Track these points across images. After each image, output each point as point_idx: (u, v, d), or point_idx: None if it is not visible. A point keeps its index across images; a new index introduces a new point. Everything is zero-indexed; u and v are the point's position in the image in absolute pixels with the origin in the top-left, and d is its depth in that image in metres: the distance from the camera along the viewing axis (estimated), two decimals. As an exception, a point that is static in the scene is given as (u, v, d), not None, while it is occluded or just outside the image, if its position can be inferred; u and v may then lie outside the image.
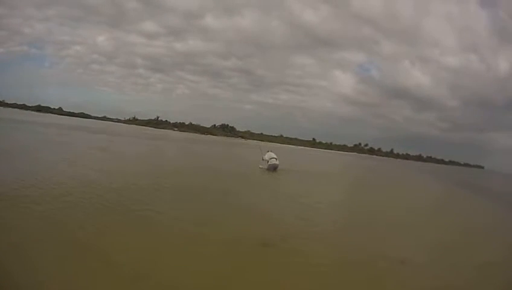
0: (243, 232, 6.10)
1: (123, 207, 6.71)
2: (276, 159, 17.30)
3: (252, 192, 10.98)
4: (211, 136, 73.87)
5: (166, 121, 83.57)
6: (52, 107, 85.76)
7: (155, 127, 77.73)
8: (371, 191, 16.70)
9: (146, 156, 19.52)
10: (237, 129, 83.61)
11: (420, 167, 57.79)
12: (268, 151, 18.07)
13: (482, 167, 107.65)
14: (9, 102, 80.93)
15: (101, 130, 39.22)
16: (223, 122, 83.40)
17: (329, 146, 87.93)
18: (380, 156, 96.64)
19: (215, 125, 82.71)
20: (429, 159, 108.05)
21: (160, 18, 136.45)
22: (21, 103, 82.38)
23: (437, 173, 39.93)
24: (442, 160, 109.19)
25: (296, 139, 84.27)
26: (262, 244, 5.57)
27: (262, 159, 17.61)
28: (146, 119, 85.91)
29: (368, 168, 36.58)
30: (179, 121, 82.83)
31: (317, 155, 51.59)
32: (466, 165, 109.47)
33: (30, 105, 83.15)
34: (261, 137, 76.34)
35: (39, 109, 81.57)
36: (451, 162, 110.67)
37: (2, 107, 70.53)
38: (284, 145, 68.80)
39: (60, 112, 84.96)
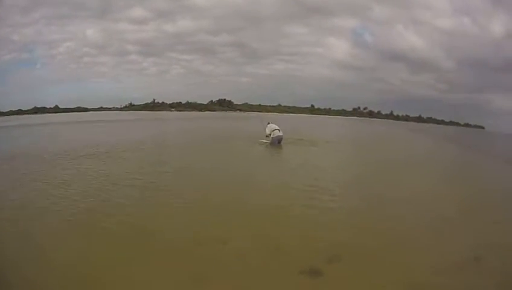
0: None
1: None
2: (279, 130, 15.83)
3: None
4: (209, 112, 73.58)
5: (163, 102, 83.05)
6: (48, 107, 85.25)
7: (152, 110, 77.46)
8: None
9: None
10: (234, 103, 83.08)
11: (428, 129, 56.88)
12: (268, 124, 16.27)
13: (483, 128, 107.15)
14: (4, 110, 79.91)
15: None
16: (220, 98, 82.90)
17: (328, 111, 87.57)
18: (380, 118, 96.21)
19: (212, 101, 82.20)
20: (429, 120, 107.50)
21: (147, 2, 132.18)
22: (17, 109, 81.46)
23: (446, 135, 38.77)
24: (443, 120, 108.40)
25: (294, 107, 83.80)
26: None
27: (266, 136, 15.82)
28: (142, 103, 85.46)
29: (377, 134, 32.39)
30: (175, 101, 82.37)
31: (319, 121, 51.23)
32: (466, 125, 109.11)
33: (26, 109, 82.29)
34: (259, 108, 76.02)
35: (35, 111, 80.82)
36: (451, 123, 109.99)
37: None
38: (283, 114, 68.47)
39: (56, 110, 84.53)
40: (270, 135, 15.69)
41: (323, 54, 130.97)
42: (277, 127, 15.95)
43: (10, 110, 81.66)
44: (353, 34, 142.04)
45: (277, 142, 15.49)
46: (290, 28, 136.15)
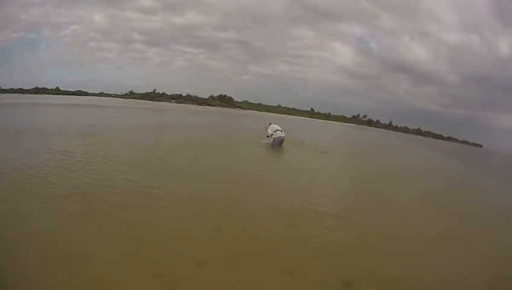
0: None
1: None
2: (281, 131, 15.03)
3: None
4: (209, 106, 73.39)
5: (163, 93, 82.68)
6: (49, 88, 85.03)
7: (152, 100, 77.17)
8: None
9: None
10: (235, 100, 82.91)
11: (427, 142, 57.27)
12: (271, 124, 15.48)
13: (481, 146, 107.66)
14: (5, 88, 79.78)
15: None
16: (221, 93, 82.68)
17: (327, 116, 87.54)
18: (379, 127, 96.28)
19: (212, 96, 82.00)
20: (428, 134, 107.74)
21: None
22: (18, 88, 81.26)
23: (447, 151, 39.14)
24: (441, 135, 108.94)
25: (294, 109, 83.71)
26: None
27: (267, 137, 14.97)
28: (143, 92, 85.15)
29: (380, 145, 32.45)
30: (176, 93, 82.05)
31: (320, 126, 51.14)
32: (464, 142, 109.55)
33: (27, 88, 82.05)
34: (259, 107, 75.71)
35: (36, 91, 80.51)
36: (449, 138, 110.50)
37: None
38: (283, 115, 68.49)
39: (57, 92, 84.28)
40: (272, 135, 14.91)
41: (327, 59, 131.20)
42: (279, 128, 15.25)
43: (11, 88, 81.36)
44: (359, 42, 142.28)
45: (278, 143, 14.79)
46: (296, 30, 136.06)
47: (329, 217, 5.89)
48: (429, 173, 15.91)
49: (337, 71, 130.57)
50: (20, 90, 78.36)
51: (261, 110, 68.18)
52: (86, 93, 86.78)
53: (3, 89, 77.66)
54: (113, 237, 4.20)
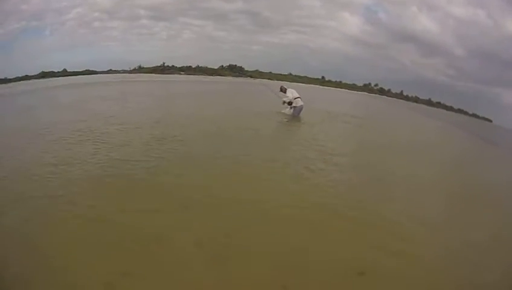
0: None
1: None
2: (300, 98, 12.53)
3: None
4: (219, 76, 72.99)
5: (172, 66, 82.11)
6: (55, 71, 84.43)
7: (161, 73, 76.92)
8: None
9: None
10: (245, 69, 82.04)
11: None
12: (287, 89, 12.64)
13: (490, 121, 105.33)
14: (11, 77, 79.35)
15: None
16: (231, 63, 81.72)
17: (338, 85, 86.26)
18: (390, 97, 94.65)
19: (222, 66, 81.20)
20: (438, 105, 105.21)
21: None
22: (23, 75, 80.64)
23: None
24: (452, 107, 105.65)
25: (305, 77, 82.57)
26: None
27: (286, 103, 12.33)
28: (152, 66, 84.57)
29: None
30: (185, 65, 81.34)
31: (336, 95, 51.18)
32: (474, 115, 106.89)
33: (32, 74, 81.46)
34: (270, 76, 75.09)
35: (43, 75, 79.94)
36: (460, 110, 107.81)
37: (4, 84, 69.94)
38: (294, 83, 67.71)
39: (64, 73, 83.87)
40: (292, 102, 12.19)
41: (336, 28, 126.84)
42: (297, 95, 12.68)
43: (17, 77, 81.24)
44: (367, 11, 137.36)
45: (298, 113, 12.44)
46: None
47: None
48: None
49: (346, 40, 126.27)
50: (26, 77, 78.42)
51: (271, 79, 67.59)
52: (94, 72, 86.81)
53: (9, 79, 77.74)
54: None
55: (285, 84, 23.30)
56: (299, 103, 12.46)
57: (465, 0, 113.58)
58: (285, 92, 12.66)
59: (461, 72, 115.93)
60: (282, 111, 12.64)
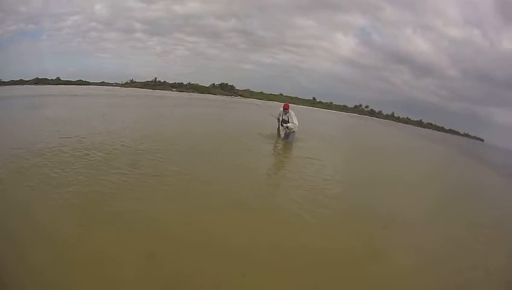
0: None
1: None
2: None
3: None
4: (210, 95, 73.02)
5: (164, 82, 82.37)
6: (49, 78, 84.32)
7: (153, 89, 76.90)
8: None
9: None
10: (236, 88, 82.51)
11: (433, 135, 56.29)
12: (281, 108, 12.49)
13: (482, 140, 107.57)
14: (5, 80, 79.23)
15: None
16: (222, 82, 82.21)
17: (329, 106, 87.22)
18: (381, 118, 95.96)
19: (214, 84, 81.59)
20: (429, 126, 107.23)
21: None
22: (18, 79, 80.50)
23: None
24: (443, 128, 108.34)
25: (296, 98, 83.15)
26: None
27: (278, 119, 12.19)
28: (144, 81, 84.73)
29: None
30: (177, 82, 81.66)
31: (327, 116, 50.80)
32: (465, 135, 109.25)
33: (27, 79, 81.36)
34: (261, 95, 75.49)
35: (37, 81, 79.95)
36: (451, 131, 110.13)
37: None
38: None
39: (57, 82, 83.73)
40: (286, 122, 11.89)
41: (329, 49, 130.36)
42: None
43: (11, 80, 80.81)
44: (361, 32, 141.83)
45: (293, 138, 12.01)
46: (298, 19, 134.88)
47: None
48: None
49: (339, 61, 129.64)
50: (21, 82, 78.03)
51: (262, 99, 67.79)
52: (87, 83, 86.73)
53: (4, 82, 77.39)
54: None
55: (274, 105, 23.23)
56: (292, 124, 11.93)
57: (462, 20, 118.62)
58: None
59: (453, 93, 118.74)
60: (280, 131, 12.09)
